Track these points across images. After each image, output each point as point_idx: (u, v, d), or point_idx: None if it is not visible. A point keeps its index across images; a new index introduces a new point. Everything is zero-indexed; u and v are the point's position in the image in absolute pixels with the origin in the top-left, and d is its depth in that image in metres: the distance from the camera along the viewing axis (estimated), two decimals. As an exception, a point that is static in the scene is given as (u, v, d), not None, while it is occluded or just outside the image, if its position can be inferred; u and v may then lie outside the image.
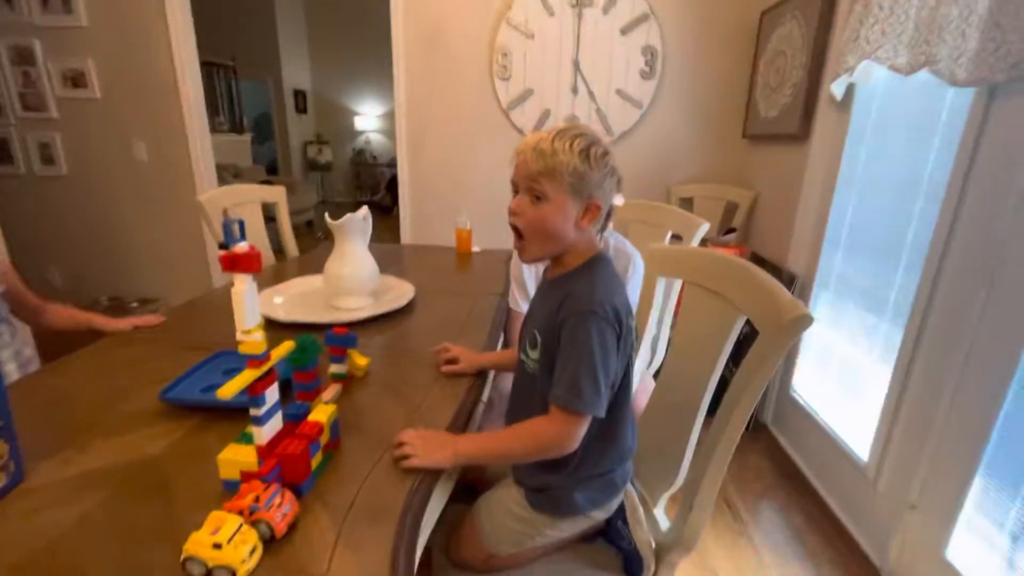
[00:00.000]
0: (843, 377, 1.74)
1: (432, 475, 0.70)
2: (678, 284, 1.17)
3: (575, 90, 2.60)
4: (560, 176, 0.72)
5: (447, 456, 0.72)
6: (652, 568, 0.86)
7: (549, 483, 0.81)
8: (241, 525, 0.53)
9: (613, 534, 0.91)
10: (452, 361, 0.98)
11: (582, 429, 0.73)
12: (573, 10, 2.50)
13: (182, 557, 0.51)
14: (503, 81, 2.63)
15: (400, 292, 1.38)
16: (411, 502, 0.63)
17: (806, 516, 1.63)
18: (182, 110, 2.81)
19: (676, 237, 1.50)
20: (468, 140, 2.78)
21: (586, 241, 0.78)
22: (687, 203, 2.64)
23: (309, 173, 7.35)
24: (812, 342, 1.93)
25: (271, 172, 6.63)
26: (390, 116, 6.96)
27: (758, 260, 2.25)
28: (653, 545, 0.88)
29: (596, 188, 0.73)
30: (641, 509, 0.93)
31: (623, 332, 0.73)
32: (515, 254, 1.49)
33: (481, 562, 0.85)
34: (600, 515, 0.86)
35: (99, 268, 3.15)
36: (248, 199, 1.87)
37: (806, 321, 0.66)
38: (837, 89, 1.71)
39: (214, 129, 3.15)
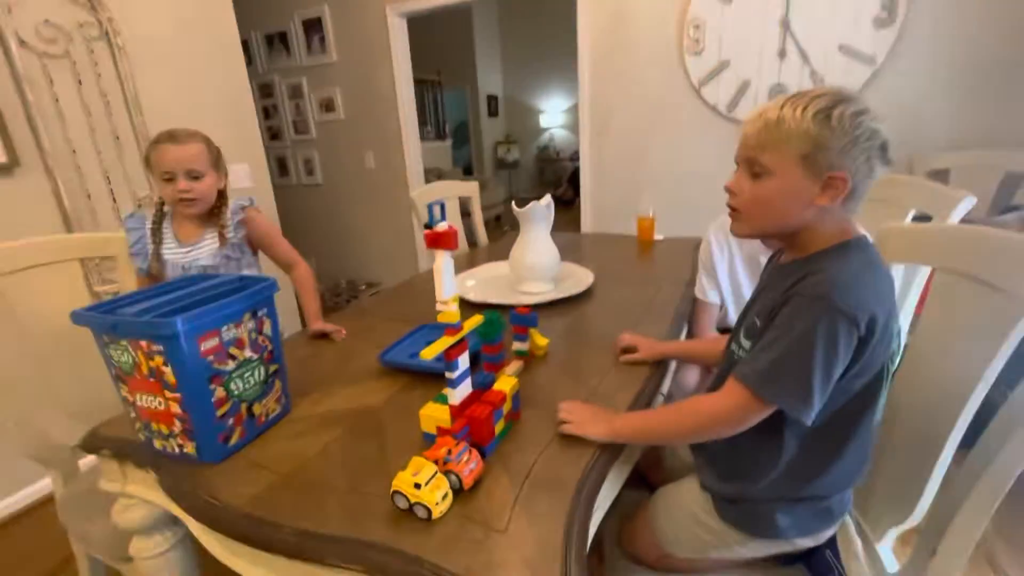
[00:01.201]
0: None
1: (608, 455, 0.69)
2: (923, 273, 0.94)
3: (782, 54, 2.27)
4: (786, 146, 0.61)
5: (602, 430, 0.70)
6: (870, 613, 0.71)
7: (744, 494, 0.72)
8: (436, 472, 0.60)
9: (819, 564, 0.77)
10: (630, 350, 0.95)
11: (756, 417, 0.63)
12: (783, -38, 2.17)
13: (391, 490, 0.59)
14: (694, 56, 2.44)
15: (580, 278, 1.39)
16: (586, 479, 0.64)
17: None
18: (400, 123, 3.30)
19: (923, 219, 1.20)
20: (653, 124, 2.66)
21: (835, 222, 0.65)
22: (940, 176, 2.08)
23: (498, 171, 7.93)
24: None
25: (467, 173, 7.35)
26: (573, 110, 7.08)
27: (1056, 248, 1.66)
28: (874, 587, 0.72)
29: (841, 156, 0.59)
30: (859, 541, 0.77)
31: (873, 336, 0.59)
32: (704, 240, 1.38)
33: (655, 559, 0.81)
34: (807, 543, 0.74)
35: (340, 257, 3.92)
36: (448, 194, 2.10)
37: None
38: None
39: (423, 138, 3.63)
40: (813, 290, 0.60)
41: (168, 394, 0.70)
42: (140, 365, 0.69)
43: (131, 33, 1.84)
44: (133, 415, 0.76)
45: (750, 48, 2.33)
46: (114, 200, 1.83)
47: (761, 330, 0.66)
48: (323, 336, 1.16)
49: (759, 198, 0.66)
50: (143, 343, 0.67)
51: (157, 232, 1.22)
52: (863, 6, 2.10)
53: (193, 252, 1.23)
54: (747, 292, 1.28)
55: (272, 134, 3.76)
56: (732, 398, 0.64)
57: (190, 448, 0.73)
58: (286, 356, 0.86)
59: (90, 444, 0.81)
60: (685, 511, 0.79)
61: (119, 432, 0.81)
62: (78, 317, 0.71)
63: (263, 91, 3.66)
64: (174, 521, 0.84)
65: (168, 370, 0.68)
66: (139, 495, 0.80)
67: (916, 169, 2.13)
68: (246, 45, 3.35)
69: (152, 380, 0.70)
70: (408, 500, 0.58)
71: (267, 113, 3.72)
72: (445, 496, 0.59)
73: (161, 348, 0.67)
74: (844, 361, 0.59)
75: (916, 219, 1.21)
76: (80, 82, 1.72)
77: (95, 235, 1.29)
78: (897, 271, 0.89)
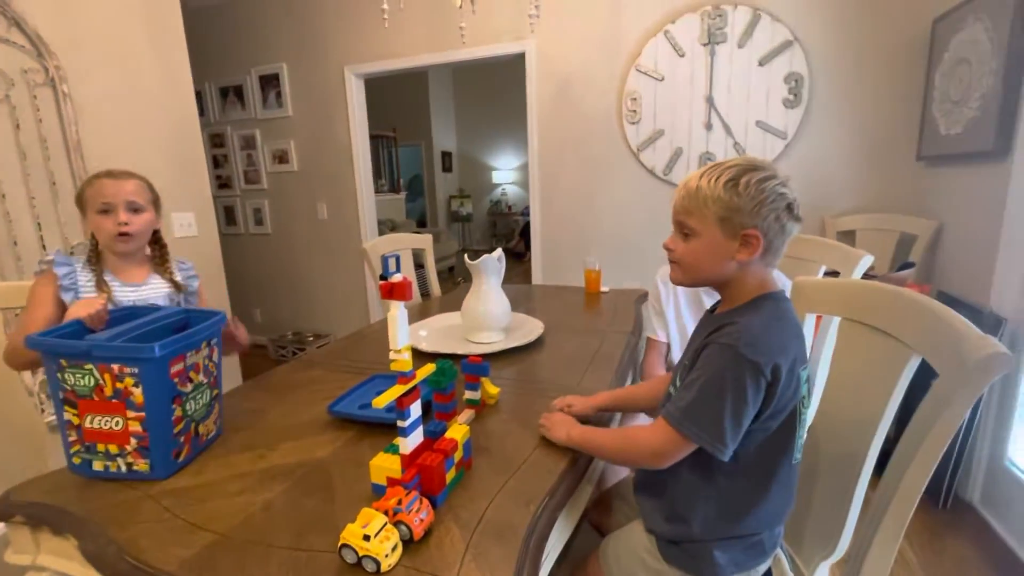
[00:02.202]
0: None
1: (556, 501, 0.71)
2: (835, 323, 1.05)
3: (709, 126, 2.53)
4: (706, 210, 0.70)
5: (563, 436, 0.82)
6: (807, 649, 0.74)
7: (684, 535, 0.76)
8: (386, 523, 0.60)
9: (758, 603, 0.80)
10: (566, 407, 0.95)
11: (680, 453, 0.70)
12: (705, 48, 2.47)
13: (339, 544, 0.58)
14: (632, 124, 2.67)
15: (530, 328, 1.44)
16: (535, 525, 0.65)
17: (1041, 631, 1.25)
18: (354, 177, 3.35)
19: (832, 275, 1.35)
20: (598, 184, 2.84)
21: (754, 276, 0.73)
22: (848, 237, 2.34)
23: (452, 224, 8.08)
24: (1034, 402, 1.53)
25: (420, 225, 7.44)
26: (524, 168, 7.43)
27: (948, 301, 1.88)
28: (809, 622, 0.76)
29: (752, 217, 0.68)
30: (792, 577, 0.81)
31: (779, 382, 0.66)
32: (653, 285, 1.48)
33: (605, 606, 0.81)
34: (742, 579, 0.77)
35: (288, 308, 3.80)
36: (402, 246, 2.13)
37: (1000, 361, 0.55)
38: (1046, 93, 1.42)
39: (377, 190, 3.68)
40: (724, 339, 0.67)
41: (130, 414, 0.76)
42: (104, 387, 0.75)
43: (79, 80, 1.82)
44: (73, 438, 0.79)
45: (681, 120, 2.58)
46: (43, 247, 1.73)
47: (688, 372, 0.73)
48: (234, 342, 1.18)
49: (689, 255, 0.74)
50: (115, 366, 0.74)
51: (97, 271, 1.14)
52: (773, 89, 2.41)
53: (143, 291, 1.18)
54: (691, 332, 1.37)
55: (221, 183, 3.71)
56: (659, 433, 0.71)
57: (141, 465, 0.78)
58: (230, 409, 0.85)
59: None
60: (632, 555, 0.81)
61: (33, 496, 0.75)
62: (41, 343, 0.76)
63: (214, 141, 3.63)
64: (90, 596, 0.77)
65: (137, 391, 0.75)
66: (52, 567, 0.73)
67: (828, 231, 2.39)
68: (199, 95, 3.35)
69: (115, 401, 0.76)
70: (357, 553, 0.58)
71: (216, 162, 3.68)
72: (395, 548, 0.59)
73: (135, 371, 0.74)
74: (754, 405, 0.66)
75: (827, 274, 1.36)
76: (18, 126, 1.67)
77: (19, 284, 1.21)
78: (809, 319, 0.99)
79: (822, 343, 1.10)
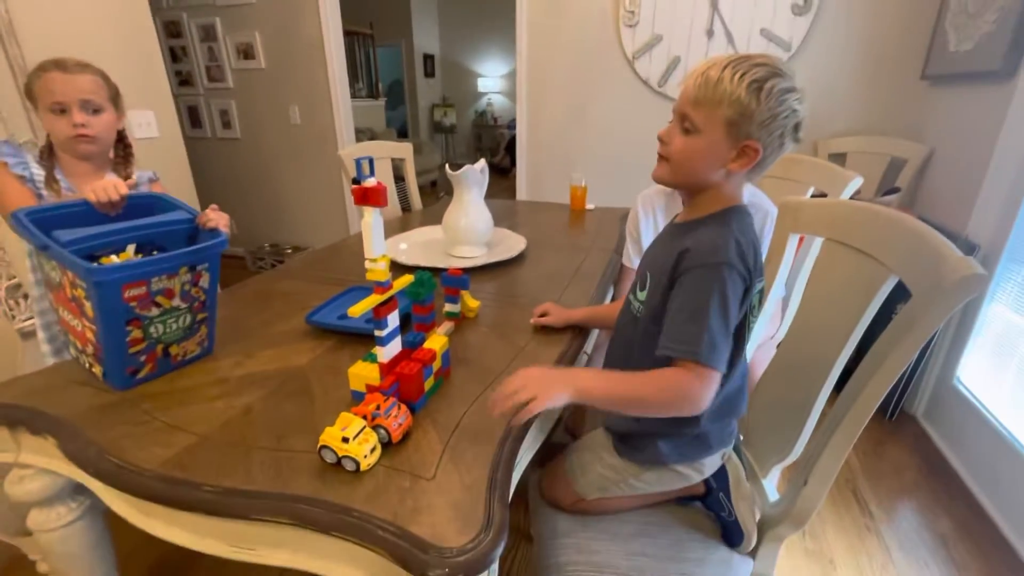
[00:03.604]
0: (1030, 370, 1.43)
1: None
2: (817, 243, 1.05)
3: (710, 33, 2.36)
4: (717, 108, 0.64)
5: (567, 391, 0.64)
6: (754, 541, 0.81)
7: (633, 430, 0.80)
8: (364, 427, 0.61)
9: (713, 503, 0.87)
10: (543, 314, 0.98)
11: (715, 386, 0.66)
12: (714, -59, 2.24)
13: (318, 445, 0.60)
14: (629, 28, 2.48)
15: (512, 244, 1.41)
16: (511, 429, 0.67)
17: (955, 521, 1.41)
18: (328, 77, 3.10)
19: (820, 196, 1.33)
20: (588, 94, 2.69)
21: (731, 188, 0.70)
22: (838, 159, 2.30)
23: (435, 136, 7.72)
24: (991, 326, 1.61)
25: (401, 135, 7.09)
26: (512, 76, 6.98)
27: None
28: (757, 516, 0.83)
29: (759, 129, 0.63)
30: (746, 482, 0.88)
31: (749, 292, 0.67)
32: (632, 210, 1.44)
33: (570, 503, 0.87)
34: (691, 474, 0.82)
35: (262, 219, 3.68)
36: (380, 154, 2.03)
37: (977, 282, 0.55)
38: (1067, 7, 1.34)
39: (354, 95, 3.43)
40: (710, 258, 0.65)
41: (85, 322, 0.74)
42: (64, 288, 0.74)
43: (0, -54, 1.57)
44: (54, 319, 0.84)
45: (681, 25, 2.40)
46: (-13, 144, 1.59)
47: (652, 285, 0.72)
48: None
49: (684, 152, 0.69)
50: (69, 273, 0.70)
51: (48, 166, 1.05)
52: (783, -8, 2.22)
53: None
54: None
55: (181, 80, 3.40)
56: (693, 377, 0.64)
57: (97, 370, 0.77)
58: (203, 316, 0.82)
59: (-27, 412, 0.74)
60: (592, 454, 0.86)
61: (5, 398, 0.74)
62: (16, 219, 0.72)
63: (169, 30, 3.28)
64: (78, 490, 0.79)
65: (88, 304, 0.70)
66: (36, 464, 0.74)
67: (820, 151, 2.34)
68: (147, -26, 2.97)
69: (73, 304, 0.74)
70: (336, 454, 0.59)
71: (174, 55, 3.35)
72: (373, 449, 0.60)
73: (83, 285, 0.69)
74: (738, 311, 0.67)
75: (814, 196, 1.34)
76: (-66, 0, 1.46)
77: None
78: (792, 240, 0.98)
79: (801, 263, 1.11)
